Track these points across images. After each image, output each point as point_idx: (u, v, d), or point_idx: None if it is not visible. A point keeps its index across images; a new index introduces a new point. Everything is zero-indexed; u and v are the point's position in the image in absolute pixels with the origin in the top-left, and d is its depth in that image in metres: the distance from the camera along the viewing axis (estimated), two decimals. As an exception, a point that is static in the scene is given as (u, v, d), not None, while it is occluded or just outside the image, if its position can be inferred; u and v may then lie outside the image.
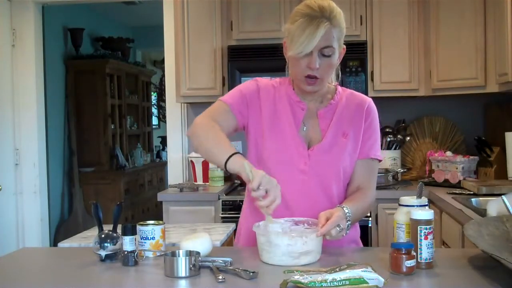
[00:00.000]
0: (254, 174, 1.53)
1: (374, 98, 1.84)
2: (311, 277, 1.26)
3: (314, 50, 1.62)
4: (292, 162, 1.72)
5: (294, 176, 1.71)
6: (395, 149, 3.64)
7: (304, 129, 1.75)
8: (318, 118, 1.76)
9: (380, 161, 1.80)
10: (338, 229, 1.54)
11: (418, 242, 1.44)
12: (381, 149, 1.85)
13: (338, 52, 1.69)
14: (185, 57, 3.59)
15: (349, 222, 1.59)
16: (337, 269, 1.32)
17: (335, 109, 1.76)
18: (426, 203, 1.56)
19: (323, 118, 1.76)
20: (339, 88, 1.82)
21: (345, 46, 1.72)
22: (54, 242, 4.84)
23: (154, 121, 8.17)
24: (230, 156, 1.59)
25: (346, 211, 1.59)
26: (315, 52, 1.62)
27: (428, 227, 1.45)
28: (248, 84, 1.81)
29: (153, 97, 8.18)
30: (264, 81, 1.82)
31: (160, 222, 1.68)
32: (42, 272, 1.59)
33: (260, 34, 3.45)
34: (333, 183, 1.73)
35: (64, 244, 2.12)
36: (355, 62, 3.44)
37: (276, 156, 1.72)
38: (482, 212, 2.20)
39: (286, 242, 1.49)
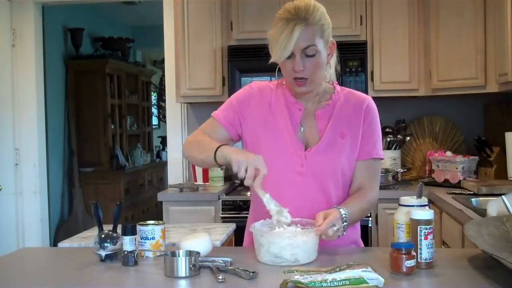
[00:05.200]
0: (232, 159, 1.54)
1: (374, 98, 1.84)
2: (311, 277, 1.26)
3: (296, 52, 1.62)
4: (289, 164, 1.71)
5: (291, 178, 1.71)
6: (395, 149, 3.64)
7: (302, 130, 1.75)
8: (315, 119, 1.75)
9: (382, 159, 1.80)
10: (334, 229, 1.54)
11: (418, 242, 1.44)
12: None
13: (326, 49, 1.67)
14: (185, 57, 3.59)
15: (345, 223, 1.59)
16: (337, 269, 1.33)
17: (333, 109, 1.75)
18: (426, 203, 1.56)
19: (321, 119, 1.75)
20: (338, 87, 1.81)
21: (334, 41, 1.71)
22: (54, 242, 4.84)
23: (154, 121, 8.17)
24: (215, 153, 1.61)
25: (342, 212, 1.59)
26: (298, 54, 1.62)
27: (428, 227, 1.45)
28: (240, 92, 1.82)
29: (153, 97, 8.17)
30: (261, 84, 1.82)
31: (160, 222, 1.68)
32: (42, 272, 1.59)
33: (260, 34, 3.38)
34: (331, 184, 1.72)
35: (64, 244, 2.12)
36: (355, 62, 3.43)
37: (273, 159, 1.71)
38: (482, 212, 2.20)
39: (284, 242, 1.49)
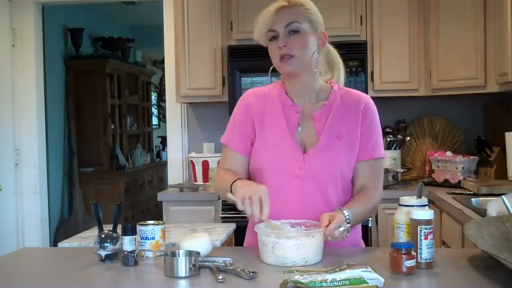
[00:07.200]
0: (234, 197, 1.56)
1: (374, 98, 1.83)
2: (311, 277, 1.26)
3: (279, 29, 1.65)
4: (287, 168, 1.70)
5: (290, 181, 1.69)
6: (395, 149, 3.64)
7: (299, 130, 1.73)
8: (313, 120, 1.74)
9: (383, 157, 1.79)
10: (341, 230, 1.53)
11: (418, 242, 1.44)
12: (381, 148, 1.83)
13: (315, 35, 1.69)
14: (185, 57, 3.59)
15: (349, 225, 1.58)
16: (337, 269, 1.32)
17: (330, 110, 1.74)
18: (426, 203, 1.56)
19: (318, 120, 1.73)
20: (335, 86, 1.80)
21: (326, 33, 1.73)
22: (54, 242, 4.84)
23: (154, 121, 8.17)
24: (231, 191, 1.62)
25: (346, 214, 1.58)
26: (281, 31, 1.65)
27: (428, 227, 1.45)
28: (237, 109, 1.82)
29: (153, 97, 8.17)
30: (255, 90, 1.82)
31: (160, 222, 1.68)
32: (42, 272, 1.59)
33: (260, 34, 3.44)
34: (330, 186, 1.71)
35: (64, 244, 2.12)
36: (355, 62, 3.43)
37: (271, 163, 1.71)
38: (482, 212, 2.20)
39: (290, 243, 1.47)
